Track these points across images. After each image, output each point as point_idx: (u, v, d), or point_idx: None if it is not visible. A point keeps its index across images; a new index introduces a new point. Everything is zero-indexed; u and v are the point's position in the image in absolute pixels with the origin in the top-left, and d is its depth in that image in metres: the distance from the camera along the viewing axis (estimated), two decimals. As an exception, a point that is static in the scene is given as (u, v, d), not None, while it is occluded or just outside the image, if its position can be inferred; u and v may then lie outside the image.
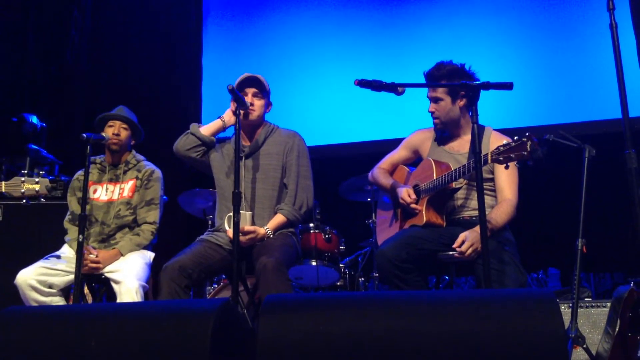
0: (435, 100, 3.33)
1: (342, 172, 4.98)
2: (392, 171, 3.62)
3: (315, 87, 6.05)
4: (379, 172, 3.58)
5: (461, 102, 3.30)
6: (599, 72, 5.15)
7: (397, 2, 6.08)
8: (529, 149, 2.67)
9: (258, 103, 3.52)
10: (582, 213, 3.33)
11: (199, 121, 6.13)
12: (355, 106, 5.78)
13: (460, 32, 5.72)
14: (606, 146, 3.60)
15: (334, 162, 5.57)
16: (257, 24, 6.46)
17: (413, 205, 3.23)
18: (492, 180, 3.24)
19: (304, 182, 3.50)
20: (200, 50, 6.50)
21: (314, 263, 4.46)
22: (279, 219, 3.41)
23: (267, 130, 3.59)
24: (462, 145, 3.35)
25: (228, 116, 3.57)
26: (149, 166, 3.93)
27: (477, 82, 2.73)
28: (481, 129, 3.28)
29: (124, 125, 3.89)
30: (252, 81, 3.51)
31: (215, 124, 3.57)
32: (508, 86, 2.62)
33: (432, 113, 3.36)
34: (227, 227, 3.34)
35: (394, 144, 3.69)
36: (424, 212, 3.21)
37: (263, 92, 3.54)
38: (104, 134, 3.79)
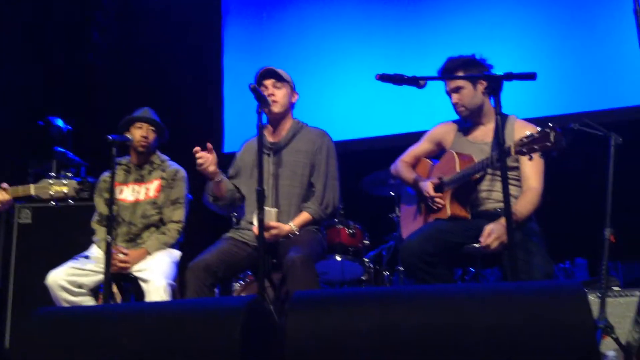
0: (456, 90, 3.30)
1: (365, 166, 4.92)
2: (414, 164, 3.58)
3: (337, 81, 5.99)
4: (402, 166, 3.55)
5: (482, 87, 3.27)
6: (624, 59, 5.07)
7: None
8: (552, 140, 2.63)
9: (279, 93, 3.49)
10: (610, 202, 3.28)
11: (221, 122, 6.16)
12: (378, 100, 5.71)
13: (481, 22, 5.65)
14: (632, 133, 3.54)
15: (357, 157, 5.49)
16: (278, 21, 6.44)
17: (437, 199, 3.20)
18: (518, 169, 3.20)
19: (331, 182, 3.47)
20: (221, 50, 6.52)
21: (338, 258, 4.45)
22: (304, 216, 3.38)
23: (295, 127, 3.56)
24: (486, 134, 3.31)
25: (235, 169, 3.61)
26: (173, 166, 3.96)
27: (500, 74, 2.70)
28: (505, 118, 3.24)
29: (152, 128, 3.92)
30: (269, 73, 3.50)
31: (227, 182, 3.54)
32: (531, 76, 2.59)
33: (456, 104, 3.32)
34: (254, 223, 3.32)
35: (416, 137, 3.64)
36: (448, 205, 3.18)
37: (282, 81, 3.51)
38: (129, 135, 3.81)
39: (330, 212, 3.46)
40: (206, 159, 3.30)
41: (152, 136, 3.93)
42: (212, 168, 3.33)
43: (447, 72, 3.23)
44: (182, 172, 3.94)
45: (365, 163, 5.08)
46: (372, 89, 5.52)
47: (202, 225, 4.74)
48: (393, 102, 5.65)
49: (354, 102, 5.88)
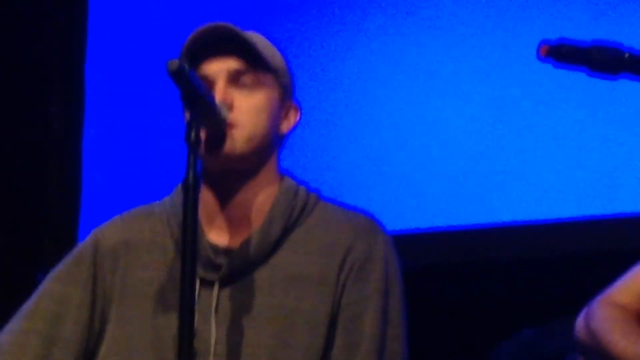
0: None
1: (487, 308, 2.16)
2: None
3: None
4: (609, 319, 1.25)
5: None
6: None
7: None
8: None
9: (247, 101, 1.18)
10: None
11: (76, 179, 2.58)
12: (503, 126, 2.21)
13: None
14: None
15: (465, 278, 2.26)
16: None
17: None
18: None
19: None
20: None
21: None
22: None
23: (289, 205, 1.24)
24: None
25: None
26: None
27: None
28: None
29: None
30: (222, 39, 1.19)
31: None
32: None
33: None
34: None
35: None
36: None
37: (260, 69, 1.21)
38: None
39: None
40: None
41: None
42: None
43: None
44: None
45: (490, 298, 2.18)
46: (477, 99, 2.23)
47: None
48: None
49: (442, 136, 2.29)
